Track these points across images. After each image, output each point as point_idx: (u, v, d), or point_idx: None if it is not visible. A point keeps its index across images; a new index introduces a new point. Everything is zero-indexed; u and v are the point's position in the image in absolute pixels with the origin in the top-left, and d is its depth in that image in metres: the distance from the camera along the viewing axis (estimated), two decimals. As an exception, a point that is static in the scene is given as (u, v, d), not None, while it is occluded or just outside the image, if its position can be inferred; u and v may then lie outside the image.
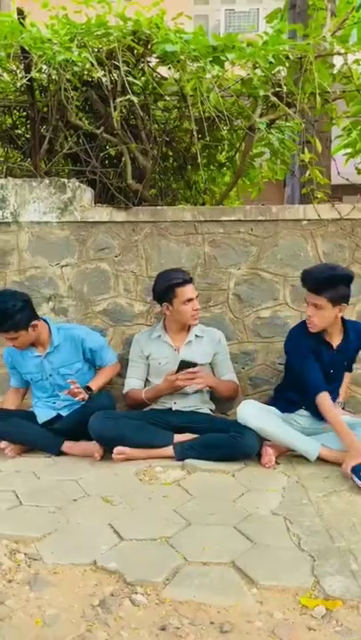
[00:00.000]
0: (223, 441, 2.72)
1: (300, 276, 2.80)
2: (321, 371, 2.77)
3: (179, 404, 3.00)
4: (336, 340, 2.84)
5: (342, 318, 2.83)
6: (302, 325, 2.86)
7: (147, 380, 3.11)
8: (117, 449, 2.75)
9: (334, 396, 2.94)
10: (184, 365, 2.85)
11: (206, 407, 3.07)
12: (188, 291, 2.95)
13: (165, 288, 2.96)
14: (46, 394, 3.09)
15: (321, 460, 2.70)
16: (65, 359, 3.04)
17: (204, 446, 2.74)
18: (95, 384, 3.00)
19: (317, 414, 2.89)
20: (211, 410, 3.09)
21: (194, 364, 2.86)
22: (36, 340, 3.01)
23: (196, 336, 3.07)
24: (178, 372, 2.85)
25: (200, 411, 3.03)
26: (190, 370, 2.84)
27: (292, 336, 2.89)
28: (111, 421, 2.77)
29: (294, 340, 2.86)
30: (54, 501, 2.27)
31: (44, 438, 2.91)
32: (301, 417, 2.93)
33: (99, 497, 2.33)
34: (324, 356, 2.81)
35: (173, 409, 3.00)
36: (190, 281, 2.99)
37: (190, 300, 2.96)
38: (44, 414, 3.02)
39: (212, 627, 1.50)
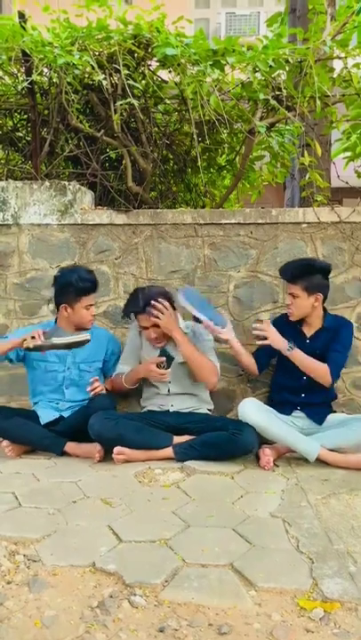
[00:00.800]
0: (222, 438, 2.73)
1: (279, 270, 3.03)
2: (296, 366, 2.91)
3: (176, 406, 3.01)
4: (312, 330, 2.99)
5: (326, 312, 3.02)
6: (282, 315, 3.11)
7: (144, 380, 3.11)
8: (117, 449, 2.76)
9: (325, 395, 2.99)
10: (165, 356, 2.95)
11: (205, 407, 3.08)
12: (141, 320, 2.98)
13: (127, 311, 3.04)
14: (50, 387, 3.06)
15: (320, 461, 2.71)
16: (88, 355, 3.07)
17: (203, 445, 2.75)
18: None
19: (315, 415, 2.92)
20: (209, 410, 3.10)
21: (172, 358, 2.95)
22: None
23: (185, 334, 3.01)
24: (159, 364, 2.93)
25: (198, 411, 3.03)
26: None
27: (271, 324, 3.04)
28: (111, 422, 2.78)
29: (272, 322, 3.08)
30: (53, 503, 2.27)
31: (46, 438, 2.92)
32: (298, 418, 2.95)
33: (98, 499, 2.33)
34: (297, 342, 2.94)
35: (171, 410, 3.00)
36: (143, 312, 2.93)
37: (144, 327, 2.97)
38: (46, 415, 3.01)
39: (210, 628, 1.50)
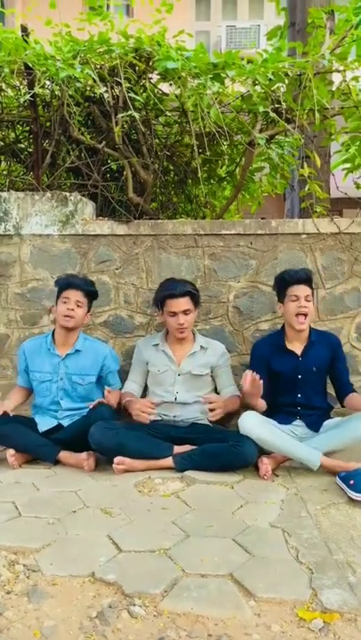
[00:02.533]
0: (222, 450, 2.74)
1: (284, 275, 2.99)
2: (287, 376, 2.95)
3: (180, 415, 3.02)
4: (299, 347, 2.99)
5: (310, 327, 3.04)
6: (266, 339, 3.12)
7: (149, 389, 3.13)
8: (117, 459, 2.76)
9: (320, 399, 3.00)
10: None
11: (206, 418, 3.08)
12: (173, 304, 2.97)
13: (158, 297, 3.05)
14: (48, 398, 3.08)
15: (321, 470, 2.71)
16: (81, 368, 3.08)
17: (203, 456, 2.76)
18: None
19: (313, 425, 2.93)
20: (210, 421, 3.10)
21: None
22: (66, 337, 3.08)
23: (201, 347, 3.08)
24: None
25: (200, 422, 3.04)
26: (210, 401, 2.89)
27: (255, 348, 3.09)
28: (111, 431, 2.78)
29: (254, 353, 3.08)
30: (53, 512, 2.27)
31: (41, 446, 2.92)
32: (297, 427, 2.95)
33: (98, 508, 2.33)
34: (288, 363, 2.95)
35: (173, 420, 3.01)
36: (184, 295, 2.97)
37: (174, 313, 2.97)
38: (44, 423, 3.03)
39: (209, 639, 1.50)
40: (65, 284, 3.07)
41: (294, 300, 2.91)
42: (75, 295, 3.03)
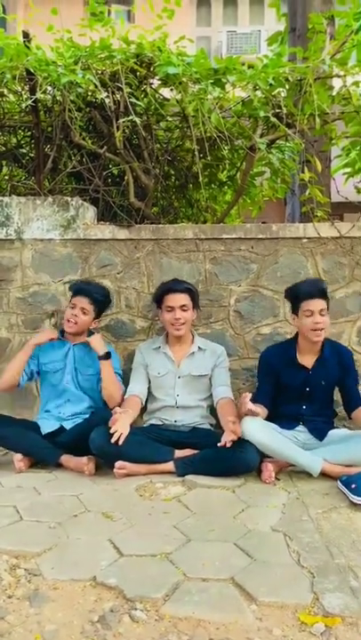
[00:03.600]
0: (223, 455, 2.73)
1: (296, 291, 2.92)
2: (295, 388, 2.92)
3: (181, 420, 3.02)
4: (310, 360, 2.94)
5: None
6: (273, 348, 3.08)
7: (150, 393, 3.13)
8: (118, 463, 2.75)
9: (325, 408, 3.00)
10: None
11: (207, 422, 3.08)
12: (171, 298, 3.02)
13: (157, 293, 3.10)
14: (57, 391, 3.13)
15: (322, 475, 2.71)
16: (87, 358, 3.15)
17: (204, 461, 2.75)
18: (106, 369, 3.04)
19: (315, 430, 2.92)
20: (211, 425, 3.10)
21: None
22: (74, 338, 3.17)
23: (200, 348, 3.11)
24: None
25: (201, 426, 3.04)
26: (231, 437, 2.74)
27: (264, 357, 3.06)
28: (112, 436, 2.78)
29: (263, 361, 3.05)
30: (55, 517, 2.27)
31: (42, 449, 2.93)
32: (300, 433, 2.94)
33: (99, 512, 2.33)
34: (298, 376, 2.92)
35: (174, 425, 3.01)
36: (183, 291, 3.03)
37: (171, 308, 3.01)
38: (47, 425, 3.04)
39: (211, 643, 1.50)
40: (76, 289, 3.16)
41: (309, 315, 2.83)
42: (82, 302, 3.09)
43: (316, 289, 2.86)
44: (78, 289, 3.15)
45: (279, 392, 2.97)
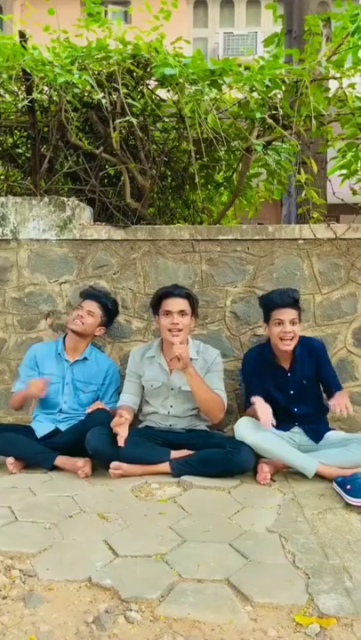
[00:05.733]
0: (219, 456, 2.73)
1: (268, 299, 2.95)
2: (280, 391, 2.95)
3: (175, 425, 3.00)
4: (286, 362, 2.97)
5: None
6: (254, 350, 3.10)
7: (144, 398, 3.10)
8: (114, 464, 2.75)
9: (316, 406, 3.02)
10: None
11: (203, 424, 3.08)
12: (169, 303, 2.91)
13: (155, 297, 3.01)
14: (51, 403, 3.11)
15: (317, 476, 2.71)
16: (86, 376, 3.15)
17: (199, 462, 2.75)
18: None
19: (311, 431, 2.93)
20: (207, 426, 3.10)
21: None
22: (76, 343, 3.16)
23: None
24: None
25: (197, 427, 3.03)
26: None
27: (246, 361, 3.10)
28: (108, 437, 2.77)
29: (247, 363, 3.09)
30: (50, 517, 2.26)
31: (37, 453, 2.92)
32: (296, 434, 2.95)
33: (94, 513, 2.33)
34: (279, 378, 2.95)
35: (169, 428, 3.00)
36: (182, 296, 2.93)
37: (168, 312, 2.91)
38: (42, 428, 3.04)
39: (206, 644, 1.50)
40: (86, 294, 3.21)
41: (278, 323, 2.86)
42: (90, 305, 3.14)
43: (287, 298, 2.88)
44: (89, 294, 3.20)
45: (267, 395, 2.93)
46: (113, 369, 3.22)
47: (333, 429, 3.06)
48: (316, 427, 2.97)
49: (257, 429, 2.77)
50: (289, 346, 2.87)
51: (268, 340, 3.02)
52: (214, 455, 2.75)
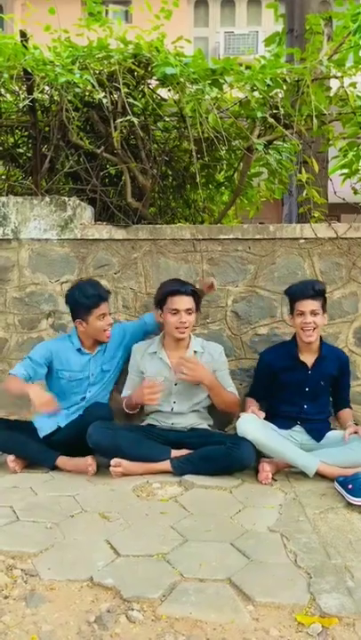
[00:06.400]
0: (219, 452, 2.73)
1: (290, 291, 2.99)
2: (295, 387, 2.96)
3: (177, 423, 3.00)
4: (311, 359, 2.99)
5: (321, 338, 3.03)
6: (278, 347, 3.15)
7: None
8: (114, 461, 2.75)
9: (324, 409, 3.05)
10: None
11: (205, 423, 3.08)
12: (177, 301, 2.91)
13: (161, 293, 3.00)
14: (77, 396, 3.06)
15: (319, 475, 2.71)
16: (107, 356, 3.12)
17: (200, 459, 2.75)
18: None
19: (313, 431, 2.93)
20: (209, 425, 3.09)
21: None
22: (92, 338, 3.07)
23: (195, 352, 3.03)
24: None
25: (198, 427, 3.03)
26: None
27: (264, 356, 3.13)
28: (110, 432, 2.78)
29: (262, 361, 3.12)
30: (51, 517, 2.27)
31: (39, 452, 2.91)
32: (298, 433, 2.95)
33: (96, 513, 2.33)
34: (298, 375, 2.96)
35: (171, 426, 3.00)
36: (189, 293, 2.94)
37: (176, 311, 2.92)
38: (44, 428, 2.99)
39: (207, 643, 1.50)
40: (99, 298, 3.01)
41: (299, 314, 2.90)
42: (106, 307, 3.04)
43: (308, 289, 2.90)
44: (102, 297, 3.03)
45: (279, 391, 3.00)
46: (117, 329, 3.17)
47: (335, 429, 3.06)
48: (319, 426, 2.98)
49: (259, 426, 2.78)
50: (311, 337, 2.89)
51: (293, 336, 3.07)
52: (215, 452, 2.75)
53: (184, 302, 2.92)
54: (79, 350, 3.08)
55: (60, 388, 3.08)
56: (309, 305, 2.88)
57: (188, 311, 2.94)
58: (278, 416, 2.96)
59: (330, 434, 2.97)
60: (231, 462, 2.73)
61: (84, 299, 2.97)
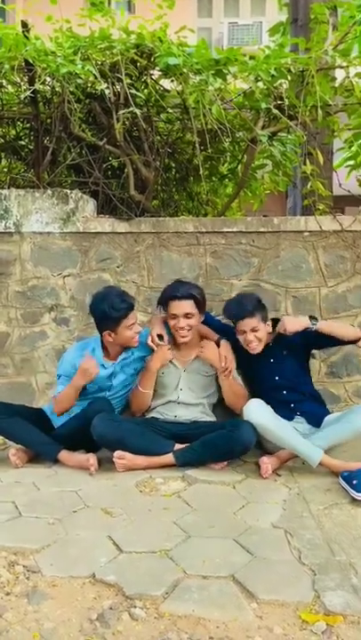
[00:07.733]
0: (220, 437, 2.72)
1: (226, 311, 2.96)
2: (260, 363, 2.95)
3: (180, 416, 2.99)
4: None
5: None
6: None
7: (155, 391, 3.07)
8: (118, 453, 2.74)
9: (302, 383, 3.02)
10: None
11: (208, 418, 3.06)
12: (175, 306, 2.91)
13: (162, 298, 2.99)
14: (98, 392, 3.00)
15: (323, 471, 2.69)
16: (137, 357, 3.04)
17: (202, 445, 2.74)
18: None
19: (312, 419, 2.91)
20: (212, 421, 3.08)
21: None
22: (121, 348, 2.98)
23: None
24: None
25: (201, 420, 3.02)
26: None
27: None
28: (114, 424, 2.77)
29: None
30: (54, 513, 2.25)
31: (42, 444, 2.89)
32: (299, 424, 2.93)
33: (98, 508, 2.31)
34: (255, 358, 2.94)
35: (174, 419, 2.99)
36: (187, 297, 2.91)
37: (175, 316, 2.91)
38: (59, 418, 2.97)
39: (211, 641, 1.49)
40: (128, 309, 2.90)
41: (241, 334, 2.91)
42: (135, 316, 2.95)
43: (242, 311, 2.88)
44: (130, 306, 2.91)
45: (252, 378, 3.04)
46: (145, 332, 3.05)
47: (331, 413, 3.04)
48: (316, 410, 2.95)
49: (267, 411, 2.76)
50: (256, 350, 2.90)
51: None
52: (215, 437, 2.74)
53: (182, 307, 2.91)
54: (103, 366, 2.96)
55: (83, 394, 2.99)
56: (248, 324, 2.87)
57: (188, 315, 2.92)
58: (273, 406, 2.93)
59: (327, 417, 2.95)
60: (233, 445, 2.72)
61: (114, 312, 2.85)
